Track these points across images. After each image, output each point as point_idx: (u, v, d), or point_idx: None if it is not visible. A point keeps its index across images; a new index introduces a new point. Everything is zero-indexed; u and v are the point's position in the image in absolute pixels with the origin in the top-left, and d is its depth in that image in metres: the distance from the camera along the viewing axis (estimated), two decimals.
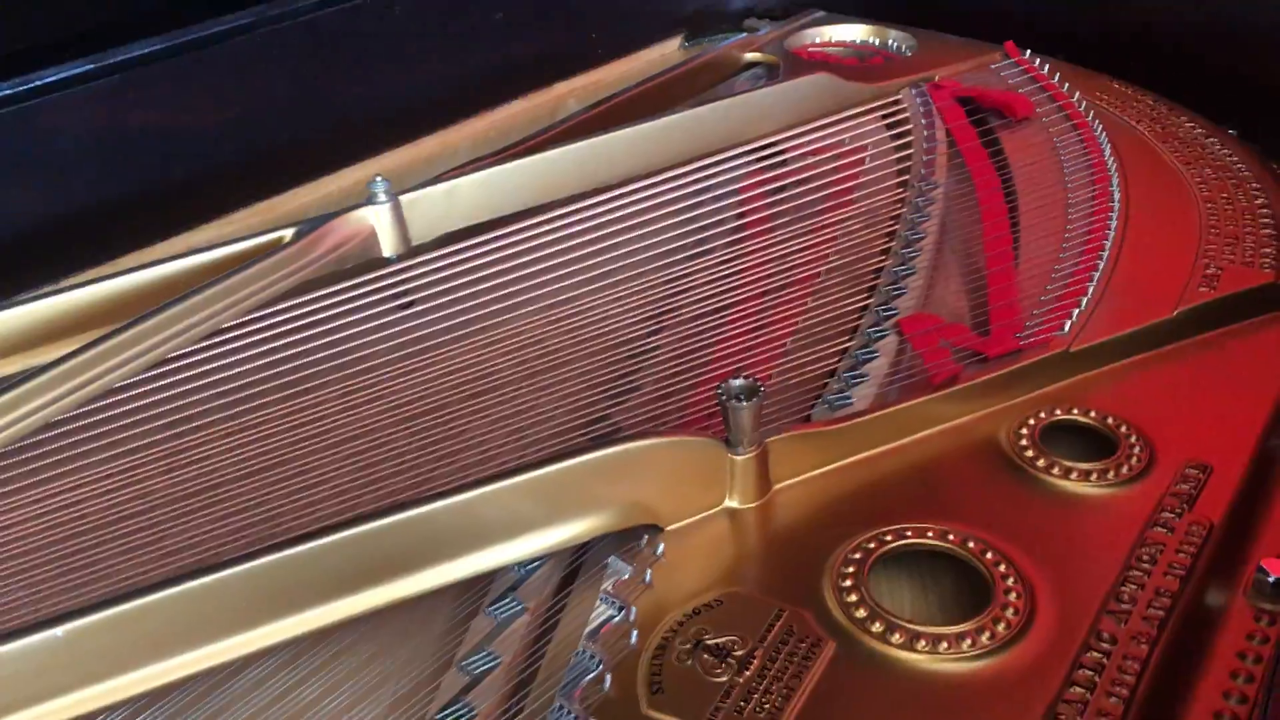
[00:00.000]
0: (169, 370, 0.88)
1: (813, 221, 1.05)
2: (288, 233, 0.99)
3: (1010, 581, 0.69)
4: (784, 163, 1.13)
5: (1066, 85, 1.21)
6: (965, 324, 0.92)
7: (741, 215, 1.08)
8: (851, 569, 0.71)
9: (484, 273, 1.00)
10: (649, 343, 0.93)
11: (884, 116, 1.19)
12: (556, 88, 1.41)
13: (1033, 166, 1.09)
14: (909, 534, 0.73)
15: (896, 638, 0.66)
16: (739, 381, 0.75)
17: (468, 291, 0.98)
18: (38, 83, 1.05)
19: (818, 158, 1.12)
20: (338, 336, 0.93)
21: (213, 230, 1.12)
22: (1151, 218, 0.99)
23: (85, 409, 0.85)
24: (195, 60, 1.13)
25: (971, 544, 0.72)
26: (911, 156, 1.12)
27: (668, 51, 1.50)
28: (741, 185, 1.11)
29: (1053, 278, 0.93)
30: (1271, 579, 0.66)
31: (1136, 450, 0.78)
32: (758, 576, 0.73)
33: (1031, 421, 0.81)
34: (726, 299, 0.97)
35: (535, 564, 0.75)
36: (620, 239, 1.02)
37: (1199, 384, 0.84)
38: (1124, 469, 0.76)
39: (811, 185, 1.08)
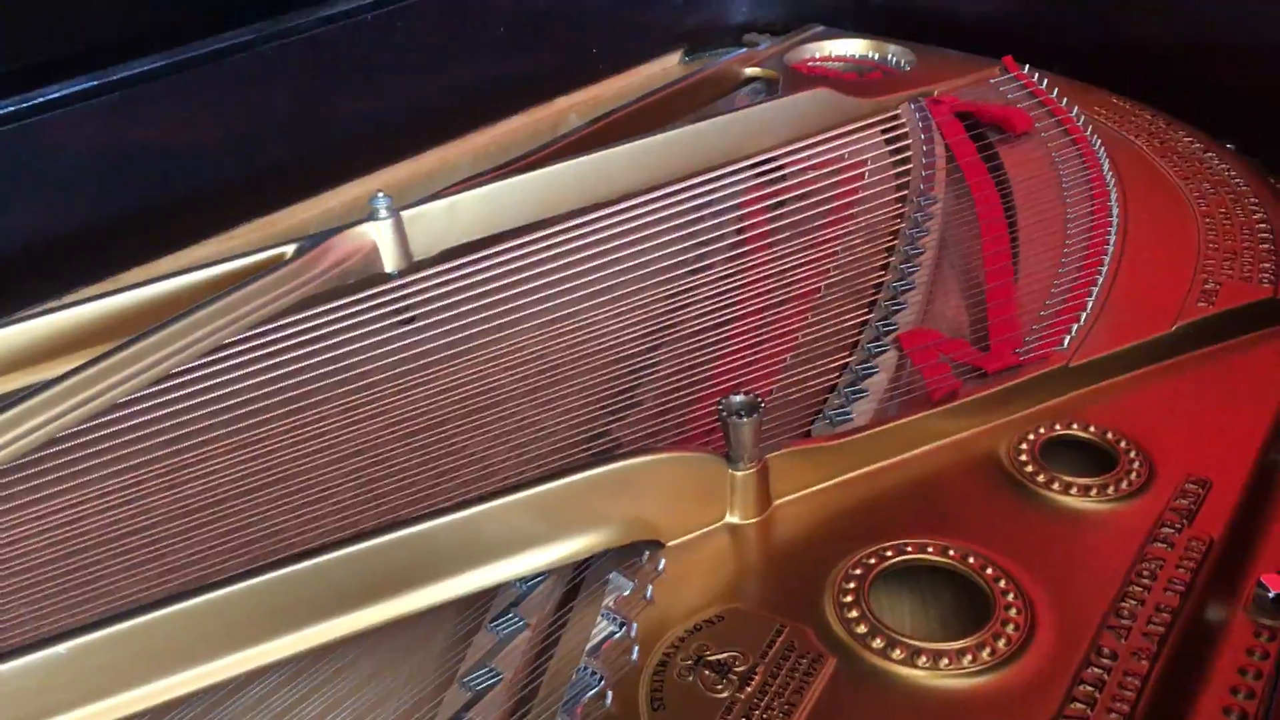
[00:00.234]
0: (171, 386, 0.89)
1: (812, 236, 1.05)
2: (289, 249, 0.99)
3: (1010, 597, 0.69)
4: (783, 178, 1.13)
5: (1065, 100, 1.21)
6: (965, 339, 0.92)
7: (741, 230, 1.08)
8: (852, 585, 0.71)
9: (485, 288, 1.00)
10: (649, 358, 0.94)
11: (883, 131, 1.19)
12: (558, 102, 1.41)
13: (1031, 181, 1.10)
14: (909, 549, 0.73)
15: (897, 653, 0.66)
16: (739, 398, 0.75)
17: (469, 307, 0.98)
18: (40, 99, 1.06)
19: (817, 173, 1.12)
20: (339, 352, 0.94)
21: (214, 246, 1.13)
22: (1150, 233, 0.99)
23: (87, 425, 0.85)
24: (196, 77, 1.14)
25: (972, 559, 0.72)
26: (910, 171, 1.12)
27: (668, 66, 1.51)
28: (741, 200, 1.11)
29: (1052, 293, 0.94)
30: (1272, 594, 0.66)
31: (1136, 465, 0.78)
32: (758, 592, 0.73)
33: (1031, 437, 0.81)
34: (726, 314, 0.97)
35: (537, 580, 0.75)
36: (621, 254, 1.02)
37: (1198, 399, 0.84)
38: (1124, 484, 0.77)
39: (811, 200, 1.09)
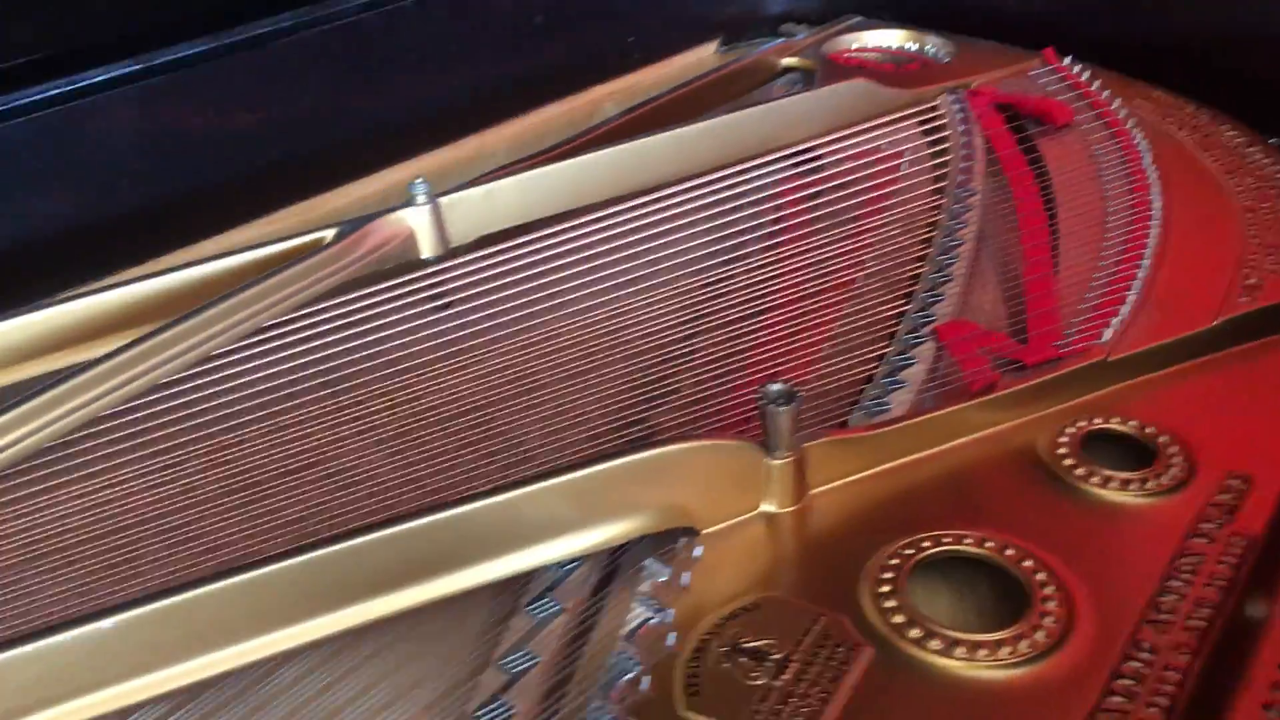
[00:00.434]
0: (212, 368, 0.89)
1: (849, 227, 1.05)
2: (328, 233, 1.00)
3: (1049, 590, 0.69)
4: (820, 168, 1.13)
5: (1106, 93, 1.20)
6: (1002, 332, 0.92)
7: (778, 220, 1.08)
8: (889, 575, 0.71)
9: (522, 274, 1.01)
10: (685, 346, 0.94)
11: (921, 123, 1.18)
12: (593, 91, 1.41)
13: (1071, 174, 1.09)
14: (946, 541, 0.73)
15: (934, 644, 0.66)
16: (777, 386, 0.75)
17: (506, 293, 0.99)
18: (83, 83, 1.07)
19: (854, 163, 1.12)
20: (377, 337, 0.94)
21: (254, 230, 1.14)
22: (1192, 226, 0.98)
23: (130, 405, 0.86)
24: (237, 62, 1.14)
25: (1010, 552, 0.72)
26: (949, 163, 1.11)
27: (704, 56, 1.50)
28: (778, 190, 1.11)
29: (1091, 286, 0.93)
30: None
31: (1176, 460, 0.77)
32: (794, 581, 0.73)
33: (1070, 430, 0.80)
34: (763, 304, 0.97)
35: (573, 565, 0.76)
36: (658, 242, 1.02)
37: (1239, 394, 0.83)
38: (1163, 479, 0.76)
39: (848, 191, 1.08)
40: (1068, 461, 0.78)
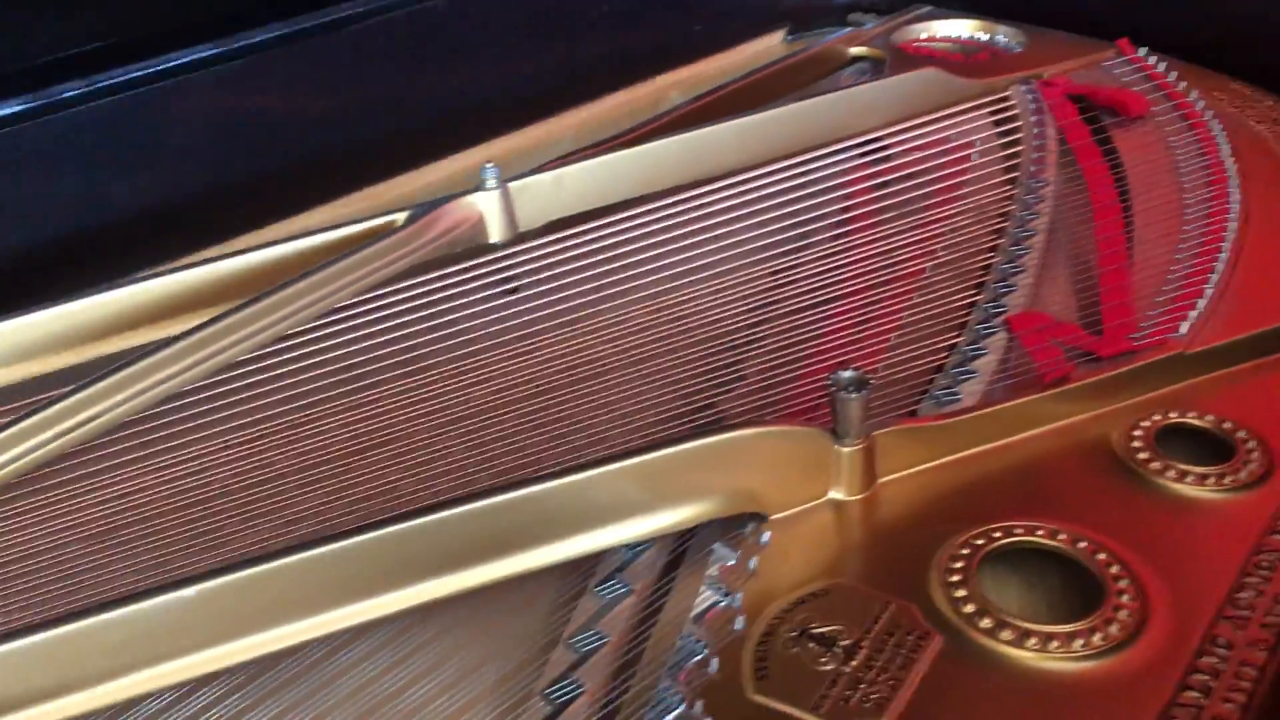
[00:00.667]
0: (288, 346, 0.91)
1: (918, 217, 1.04)
2: (400, 216, 1.01)
3: (1123, 583, 0.68)
4: (890, 157, 1.12)
5: (1183, 84, 1.18)
6: (1074, 324, 0.91)
7: (847, 209, 1.07)
8: (960, 564, 0.70)
9: (589, 260, 1.01)
10: (753, 333, 0.94)
11: (992, 113, 1.17)
12: (659, 80, 1.41)
13: (1147, 165, 1.07)
14: (1018, 532, 0.72)
15: (1006, 634, 0.66)
16: (849, 373, 0.75)
17: (573, 278, 0.99)
18: (164, 66, 1.09)
19: (924, 153, 1.11)
20: (449, 318, 0.95)
21: (325, 213, 1.15)
22: (1272, 220, 0.96)
23: (208, 382, 0.88)
24: (313, 46, 1.16)
25: (1083, 544, 0.71)
26: (1021, 153, 1.10)
27: (770, 45, 1.50)
28: (848, 179, 1.10)
29: (1168, 279, 0.92)
30: None
31: (1255, 456, 0.76)
32: (862, 569, 0.73)
33: (1145, 424, 0.79)
34: (831, 292, 0.97)
35: (641, 547, 0.76)
36: (726, 230, 1.03)
37: None
38: (1241, 474, 0.75)
39: (918, 180, 1.08)
40: (1142, 455, 0.77)
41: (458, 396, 0.90)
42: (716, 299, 0.98)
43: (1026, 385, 0.84)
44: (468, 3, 1.25)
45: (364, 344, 0.93)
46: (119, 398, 0.84)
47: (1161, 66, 1.23)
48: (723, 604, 0.71)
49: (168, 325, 0.93)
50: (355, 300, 0.95)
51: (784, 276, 0.99)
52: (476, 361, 0.93)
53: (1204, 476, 0.75)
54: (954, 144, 1.13)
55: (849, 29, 1.46)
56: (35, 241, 1.03)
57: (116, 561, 0.77)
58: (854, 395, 0.74)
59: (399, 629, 0.74)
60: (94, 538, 0.79)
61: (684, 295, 0.98)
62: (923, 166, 1.09)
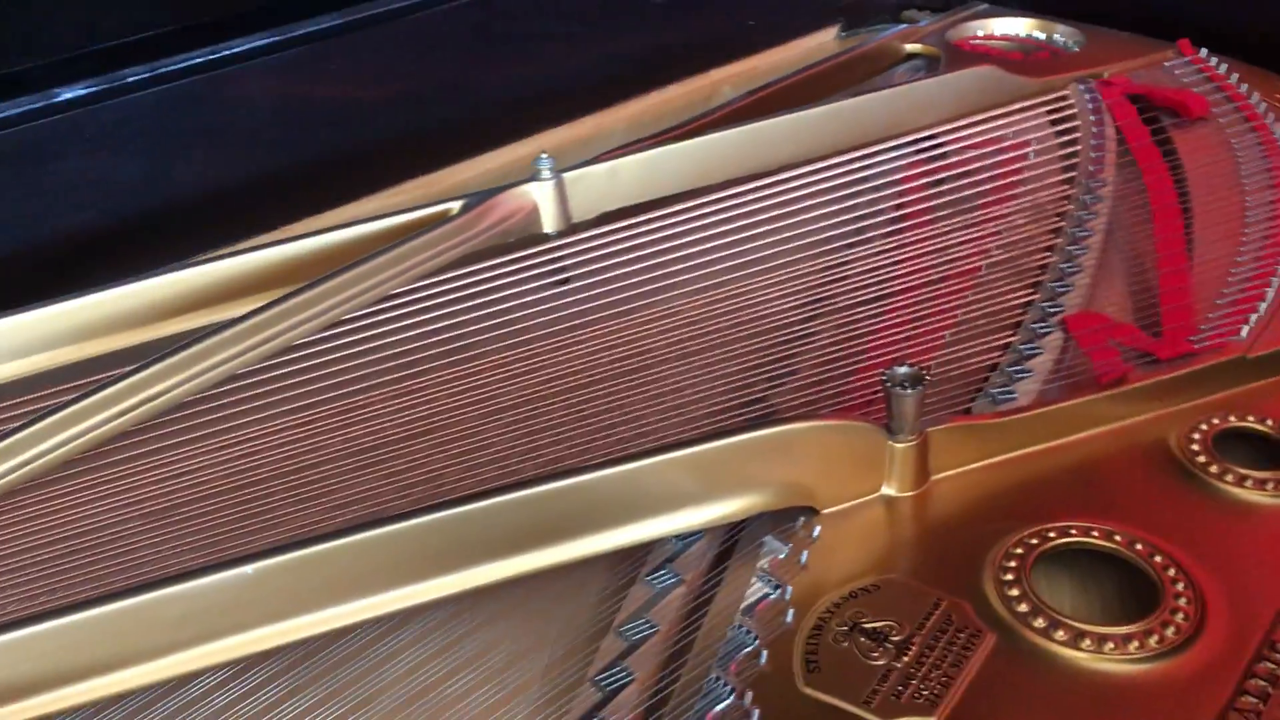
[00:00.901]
0: (342, 332, 0.92)
1: (974, 215, 1.04)
2: (455, 205, 1.01)
3: (1180, 586, 0.68)
4: (945, 155, 1.12)
5: (1244, 86, 1.17)
6: (1132, 325, 0.90)
7: (901, 205, 1.07)
8: (1013, 563, 0.70)
9: (642, 252, 1.01)
10: (806, 328, 0.94)
11: (1050, 111, 1.16)
12: (712, 74, 1.41)
13: (1207, 167, 1.06)
14: (1073, 532, 0.72)
15: (1060, 634, 0.66)
16: (904, 369, 0.74)
17: (626, 270, 1.00)
18: (226, 52, 1.10)
19: (981, 150, 1.10)
20: (501, 307, 0.96)
21: (380, 200, 1.16)
22: None
23: (263, 365, 0.89)
24: (371, 36, 1.17)
25: (1139, 546, 0.70)
26: (1079, 153, 1.09)
27: (824, 41, 1.49)
28: (902, 175, 1.10)
29: (1229, 281, 0.91)
30: None
31: None
32: (914, 565, 0.72)
33: (1204, 427, 0.78)
34: (885, 288, 0.96)
35: (692, 538, 0.76)
36: (779, 224, 1.02)
37: None
38: None
39: (974, 178, 1.07)
40: (1201, 458, 0.76)
41: (507, 385, 0.91)
42: (769, 293, 0.97)
43: (1083, 385, 0.83)
44: None
45: (416, 331, 0.94)
46: (178, 378, 0.85)
47: (1222, 68, 1.21)
48: (773, 596, 0.71)
49: (225, 309, 0.94)
50: (409, 288, 0.96)
51: (837, 272, 0.99)
52: (527, 351, 0.94)
53: (1263, 481, 0.74)
54: (1010, 142, 1.12)
55: (903, 26, 1.45)
56: (99, 222, 1.05)
57: (173, 539, 0.78)
58: (909, 391, 0.74)
59: (449, 614, 0.75)
60: (152, 515, 0.80)
61: (736, 289, 0.98)
62: (979, 164, 1.09)
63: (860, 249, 1.01)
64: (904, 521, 0.76)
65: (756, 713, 0.63)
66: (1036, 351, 0.86)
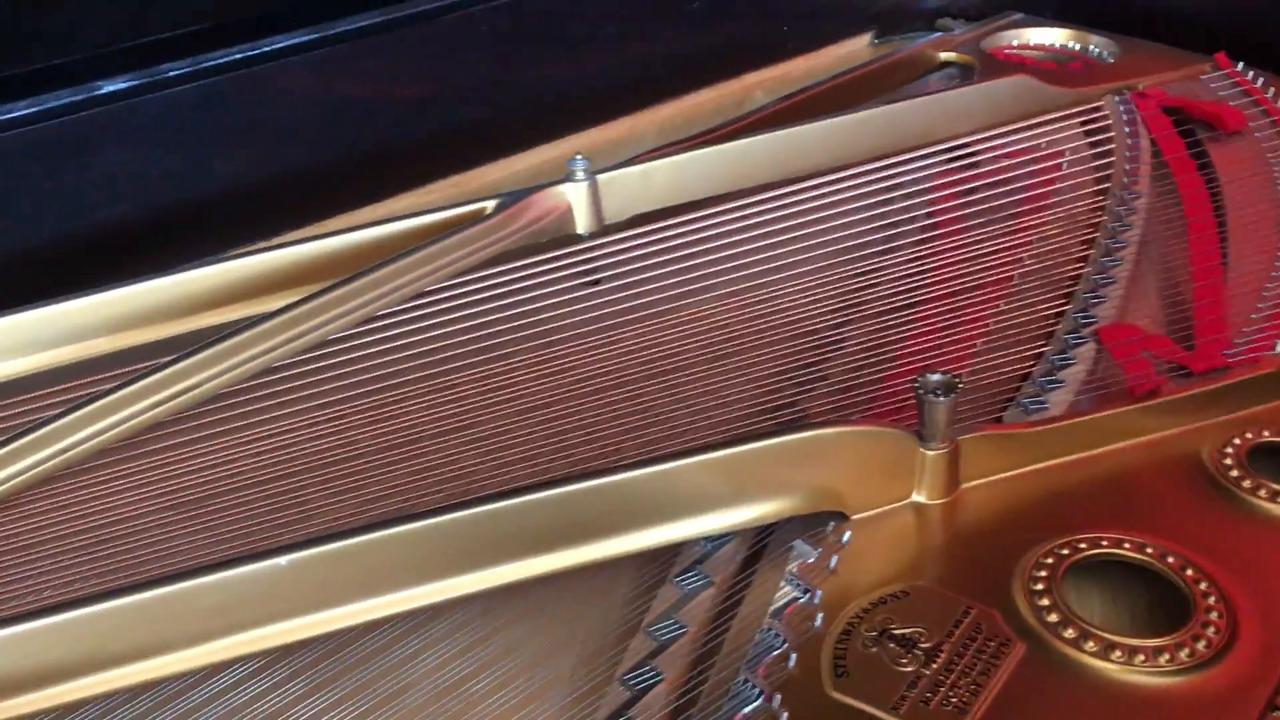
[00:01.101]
0: (376, 328, 0.93)
1: (1007, 224, 1.03)
2: (489, 204, 1.02)
3: (1211, 600, 0.67)
4: (978, 164, 1.12)
5: None
6: (1165, 337, 0.90)
7: (934, 213, 1.07)
8: (1044, 573, 0.70)
9: (673, 255, 1.02)
10: (837, 334, 0.94)
11: (1084, 122, 1.16)
12: (745, 79, 1.41)
13: (1243, 181, 1.06)
14: (1104, 544, 0.72)
15: (1090, 645, 0.65)
16: (937, 376, 0.74)
17: (657, 272, 1.00)
18: (265, 49, 1.11)
19: (1014, 160, 1.10)
20: (532, 307, 0.96)
21: (412, 198, 1.17)
22: None
23: (297, 359, 0.90)
24: (408, 35, 1.18)
25: (1171, 559, 0.70)
26: (1113, 164, 1.09)
27: (857, 49, 1.49)
28: (934, 184, 1.10)
29: (1264, 296, 0.90)
30: None
31: None
32: (943, 572, 0.72)
33: (1237, 441, 0.78)
34: (916, 296, 0.96)
35: (721, 540, 0.76)
36: (811, 230, 1.02)
37: None
38: None
39: (1007, 188, 1.07)
40: (1234, 473, 0.76)
41: (538, 384, 0.91)
42: (799, 298, 0.97)
43: (1115, 397, 0.83)
44: None
45: (448, 329, 0.94)
46: (212, 371, 0.86)
47: (1259, 82, 1.20)
48: (802, 600, 0.71)
49: (260, 303, 0.95)
50: (442, 285, 0.96)
51: (869, 278, 0.99)
52: (557, 351, 0.94)
53: None
54: (1044, 152, 1.12)
55: (937, 34, 1.45)
56: (137, 214, 1.06)
57: (206, 529, 0.79)
58: (941, 399, 0.74)
59: (482, 609, 0.75)
60: (185, 505, 0.81)
61: (767, 293, 0.98)
62: (1012, 174, 1.08)
63: (892, 256, 1.01)
64: (933, 529, 0.76)
65: (785, 715, 0.63)
66: (1069, 362, 0.86)
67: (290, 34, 1.12)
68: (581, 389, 0.90)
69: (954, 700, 0.63)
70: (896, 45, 1.45)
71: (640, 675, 0.68)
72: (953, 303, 0.95)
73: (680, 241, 1.03)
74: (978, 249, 1.00)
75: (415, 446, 0.86)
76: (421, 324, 0.94)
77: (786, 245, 1.02)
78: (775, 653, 0.67)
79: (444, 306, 0.95)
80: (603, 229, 1.06)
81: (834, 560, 0.73)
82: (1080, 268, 0.97)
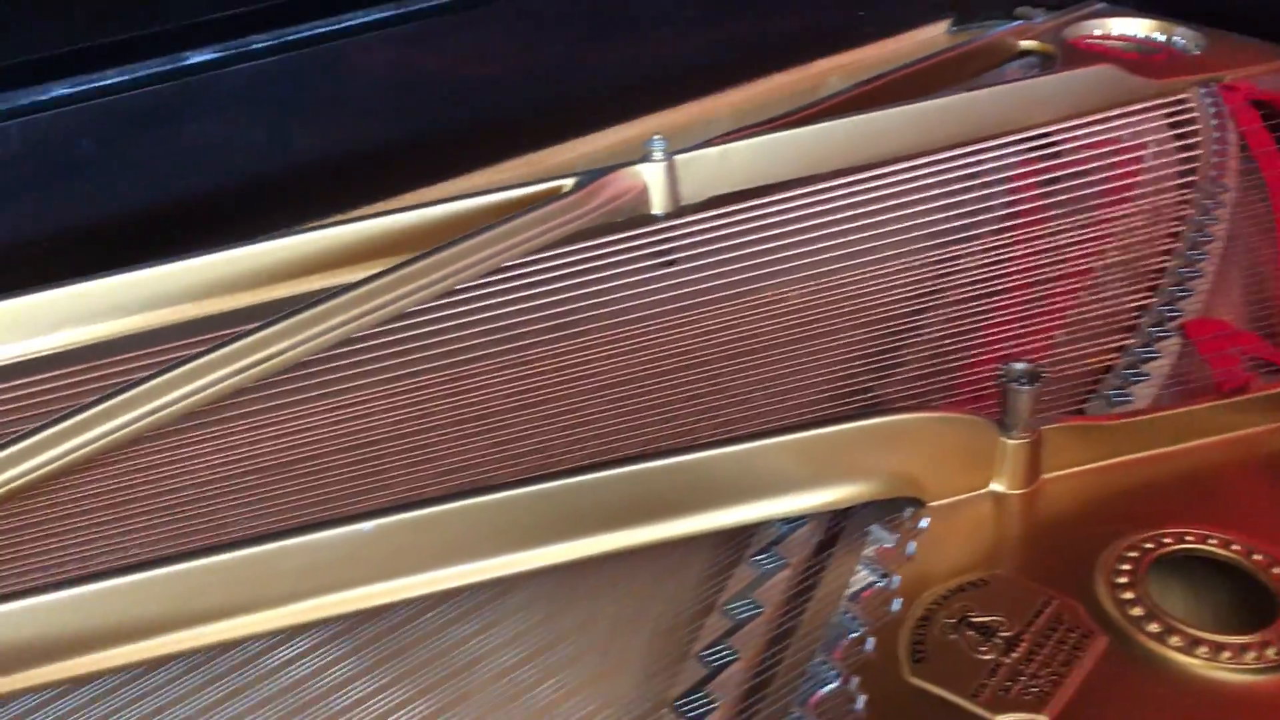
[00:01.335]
0: (454, 301, 0.93)
1: (1089, 215, 1.02)
2: (568, 182, 1.02)
3: None
4: (1059, 153, 1.10)
5: None
6: (1252, 333, 0.88)
7: (1015, 202, 1.06)
8: (1127, 567, 0.69)
9: (749, 237, 1.01)
10: (914, 320, 0.93)
11: (1169, 114, 1.14)
12: (819, 64, 1.40)
13: None
14: (1189, 539, 0.71)
15: (1175, 640, 0.65)
16: (1021, 364, 0.74)
17: (733, 254, 1.00)
18: (344, 24, 1.12)
19: (1097, 151, 1.09)
20: (607, 286, 0.96)
21: (488, 175, 1.17)
22: None
23: (377, 330, 0.91)
24: (487, 13, 1.18)
25: (1258, 557, 0.69)
26: (1199, 157, 1.07)
27: (934, 35, 1.47)
28: (1015, 173, 1.09)
29: None
30: None
31: None
32: (1023, 562, 0.72)
33: None
34: (996, 284, 0.95)
35: (797, 523, 0.76)
36: (889, 215, 1.02)
37: None
38: None
39: (1090, 179, 1.05)
40: None
41: (611, 363, 0.91)
42: (876, 284, 0.97)
43: (1200, 392, 0.81)
44: None
45: (524, 305, 0.95)
46: (295, 339, 0.87)
47: None
48: (879, 585, 0.71)
49: (342, 274, 0.96)
50: (519, 261, 0.97)
51: (947, 266, 0.98)
52: (631, 330, 0.94)
53: None
54: (1128, 144, 1.10)
55: (1017, 22, 1.43)
56: (221, 184, 1.08)
57: (288, 494, 0.80)
58: (1025, 387, 0.73)
59: (558, 582, 0.75)
60: (267, 469, 0.82)
61: (843, 278, 0.98)
62: (1094, 164, 1.07)
63: (971, 244, 1.00)
64: (1013, 519, 0.75)
65: (863, 698, 0.63)
66: (1154, 355, 0.85)
67: (372, 9, 1.13)
68: (655, 368, 0.91)
69: (1035, 690, 0.63)
70: (975, 33, 1.43)
71: (717, 652, 0.68)
72: (1032, 292, 0.94)
73: (756, 224, 1.02)
74: (1058, 239, 0.99)
75: (491, 420, 0.87)
76: (498, 299, 0.94)
77: (863, 230, 1.01)
78: (852, 635, 0.67)
79: (521, 283, 0.96)
80: (678, 209, 1.06)
81: (912, 546, 0.72)
82: (1165, 261, 0.95)
